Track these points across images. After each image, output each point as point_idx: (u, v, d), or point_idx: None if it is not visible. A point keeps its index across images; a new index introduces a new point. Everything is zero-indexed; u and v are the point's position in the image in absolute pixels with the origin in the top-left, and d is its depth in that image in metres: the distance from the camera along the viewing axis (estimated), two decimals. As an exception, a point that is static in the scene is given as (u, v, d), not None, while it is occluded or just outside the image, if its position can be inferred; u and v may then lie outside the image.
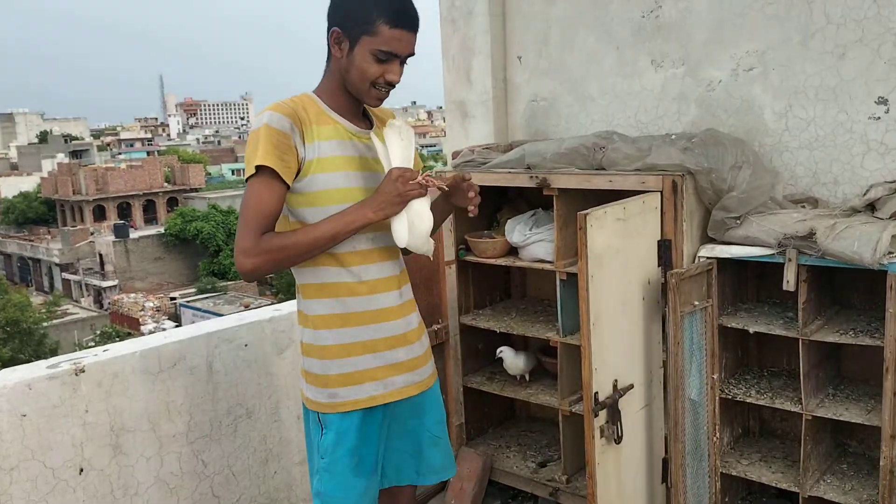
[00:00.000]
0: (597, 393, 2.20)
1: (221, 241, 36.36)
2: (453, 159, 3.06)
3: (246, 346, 2.75)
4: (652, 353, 2.48)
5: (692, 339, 2.42)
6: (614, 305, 2.28)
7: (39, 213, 47.15)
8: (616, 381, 2.29)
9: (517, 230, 2.98)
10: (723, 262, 2.49)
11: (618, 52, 3.09)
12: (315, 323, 1.86)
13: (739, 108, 2.80)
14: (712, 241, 2.51)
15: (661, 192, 2.45)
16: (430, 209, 1.81)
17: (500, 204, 3.29)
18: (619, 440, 2.24)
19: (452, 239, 3.07)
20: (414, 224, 1.78)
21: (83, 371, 2.34)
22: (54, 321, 24.19)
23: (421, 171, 1.81)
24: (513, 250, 3.04)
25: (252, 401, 2.78)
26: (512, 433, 3.40)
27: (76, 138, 74.49)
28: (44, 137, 68.38)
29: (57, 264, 39.53)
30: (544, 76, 3.31)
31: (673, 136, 2.66)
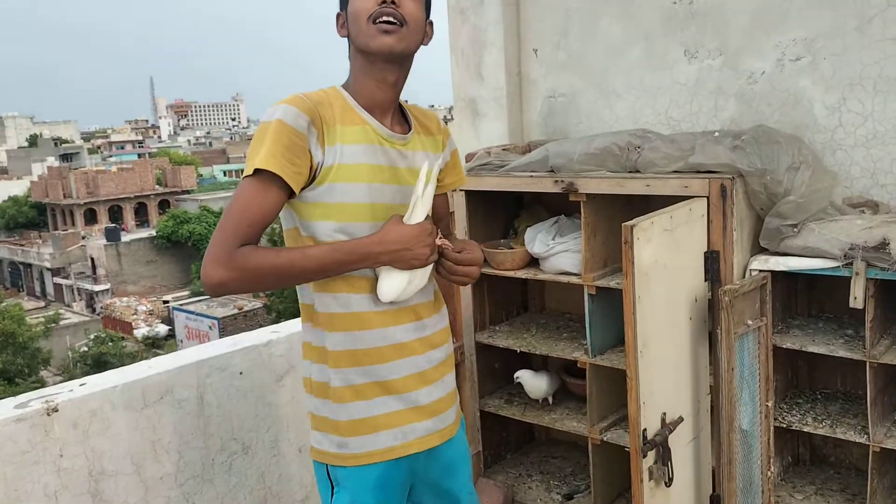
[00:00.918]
0: (645, 430, 1.92)
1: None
2: (467, 162, 2.78)
3: (241, 374, 2.47)
4: (699, 380, 2.20)
5: (744, 363, 2.14)
6: (662, 328, 2.01)
7: (30, 218, 46.64)
8: (664, 414, 2.01)
9: (538, 240, 2.70)
10: (773, 275, 2.21)
11: (646, 42, 2.81)
12: (322, 357, 1.58)
13: (786, 103, 2.52)
14: (765, 251, 2.24)
15: (708, 197, 2.17)
16: None
17: (517, 210, 3.01)
18: (669, 483, 1.97)
19: (467, 250, 2.79)
20: (410, 284, 1.55)
21: (56, 410, 2.06)
22: (49, 325, 23.82)
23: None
24: (533, 261, 2.76)
25: (248, 435, 2.49)
26: (533, 459, 3.12)
27: (66, 141, 73.88)
28: (34, 141, 67.79)
29: (48, 269, 39.09)
30: (563, 70, 3.03)
31: (717, 133, 2.38)
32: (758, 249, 2.26)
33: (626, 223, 1.87)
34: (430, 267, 1.58)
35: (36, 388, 12.56)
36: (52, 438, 2.04)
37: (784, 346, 2.27)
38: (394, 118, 1.61)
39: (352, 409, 1.56)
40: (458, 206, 2.72)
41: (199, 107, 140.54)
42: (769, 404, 2.23)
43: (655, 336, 1.97)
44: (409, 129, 1.63)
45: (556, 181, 2.49)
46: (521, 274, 2.74)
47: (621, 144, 2.39)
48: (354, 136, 1.51)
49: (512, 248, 2.81)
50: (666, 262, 2.01)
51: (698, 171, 2.23)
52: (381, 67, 1.53)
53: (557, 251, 2.64)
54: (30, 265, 40.95)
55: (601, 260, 2.57)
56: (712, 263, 2.19)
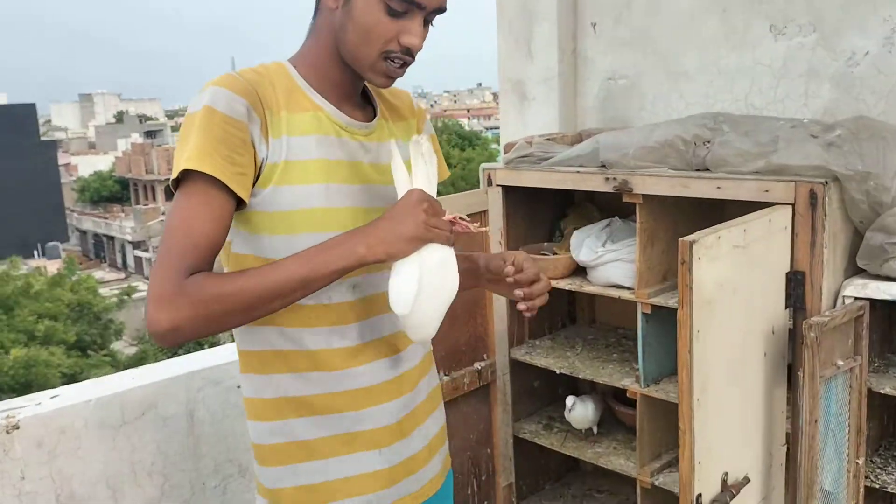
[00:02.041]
0: (700, 496, 1.54)
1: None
2: (505, 153, 2.41)
3: (238, 387, 2.18)
4: (773, 429, 1.80)
5: (830, 412, 1.72)
6: (727, 367, 1.61)
7: (113, 192, 48.27)
8: (726, 474, 1.62)
9: (586, 245, 2.32)
10: (871, 304, 1.78)
11: (723, 16, 2.38)
12: (259, 412, 1.27)
13: (894, 90, 2.06)
14: (863, 273, 1.81)
15: (794, 205, 1.75)
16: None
17: (564, 209, 2.63)
18: (728, 562, 1.58)
19: (504, 254, 2.43)
20: (429, 286, 1.15)
21: (17, 428, 1.81)
22: (123, 297, 24.55)
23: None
24: (580, 269, 2.39)
25: (246, 455, 2.21)
26: (575, 492, 2.75)
27: (151, 118, 76.22)
28: (120, 118, 70.16)
29: (129, 242, 40.40)
30: (625, 48, 2.62)
31: (806, 120, 1.95)
32: (853, 271, 1.83)
33: (684, 238, 1.48)
34: (454, 268, 1.19)
35: (106, 361, 12.77)
36: (11, 459, 1.80)
37: (881, 392, 1.84)
38: (354, 101, 1.28)
39: (300, 472, 1.24)
40: (494, 202, 2.36)
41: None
42: (859, 462, 1.80)
43: (718, 378, 1.58)
44: (374, 115, 1.30)
45: (607, 178, 2.10)
46: (565, 284, 2.37)
47: (686, 137, 1.99)
48: (304, 125, 1.19)
49: (556, 254, 2.44)
50: (736, 285, 1.61)
51: (783, 173, 1.81)
52: None
53: (607, 260, 2.26)
54: (112, 238, 42.41)
55: (659, 273, 2.18)
56: (795, 287, 1.77)
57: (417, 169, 1.18)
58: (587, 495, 2.73)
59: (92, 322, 17.71)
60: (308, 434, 1.23)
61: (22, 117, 40.85)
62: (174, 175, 1.10)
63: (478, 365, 2.39)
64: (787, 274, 1.77)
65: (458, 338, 2.34)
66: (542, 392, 2.72)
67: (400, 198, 1.16)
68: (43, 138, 43.48)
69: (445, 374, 2.31)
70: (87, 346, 16.20)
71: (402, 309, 1.15)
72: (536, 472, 2.72)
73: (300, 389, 1.23)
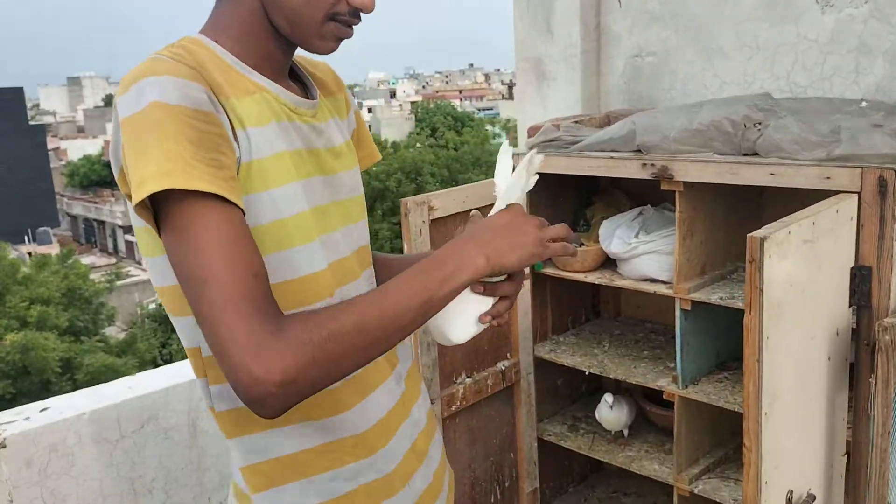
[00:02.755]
0: (766, 520, 1.39)
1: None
2: (529, 137, 2.24)
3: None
4: (835, 438, 1.64)
5: (900, 420, 1.57)
6: (793, 376, 1.45)
7: (102, 176, 47.78)
8: (791, 493, 1.47)
9: (617, 236, 2.15)
10: (941, 298, 1.62)
11: (764, -14, 2.20)
12: (272, 477, 1.01)
13: (958, 64, 1.90)
14: (934, 268, 1.65)
15: (860, 193, 1.59)
16: None
17: (591, 196, 2.46)
18: (796, 589, 1.43)
19: (527, 245, 2.26)
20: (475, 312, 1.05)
21: (3, 447, 1.64)
22: (117, 283, 24.28)
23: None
24: (609, 261, 2.22)
25: (254, 467, 2.05)
26: (600, 494, 2.61)
27: (139, 102, 75.40)
28: (109, 101, 69.47)
29: (120, 226, 40.04)
30: (654, 22, 2.44)
31: (863, 104, 1.78)
32: (924, 265, 1.67)
33: (753, 234, 1.32)
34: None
35: (99, 347, 12.54)
36: (-2, 480, 1.64)
37: (952, 396, 1.69)
38: (287, 77, 1.07)
39: None
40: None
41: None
42: (929, 473, 1.65)
43: (785, 388, 1.42)
44: (310, 91, 1.10)
45: (645, 164, 1.93)
46: (594, 278, 2.20)
47: (735, 119, 1.81)
48: (256, 112, 0.96)
49: (583, 245, 2.27)
50: (804, 284, 1.44)
51: (848, 160, 1.64)
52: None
53: (641, 252, 2.09)
54: (103, 222, 42.04)
55: (698, 265, 2.02)
56: (861, 284, 1.61)
57: (520, 181, 1.10)
58: (612, 499, 2.58)
59: (83, 307, 17.48)
60: (344, 488, 1.03)
61: (10, 101, 40.29)
62: (144, 194, 0.81)
63: (501, 365, 2.24)
64: (851, 269, 1.60)
65: (480, 336, 2.15)
66: (566, 390, 2.56)
67: (506, 207, 1.05)
68: (31, 122, 42.94)
69: (467, 377, 2.15)
70: (80, 331, 16.00)
71: (458, 338, 1.08)
72: (560, 475, 2.57)
73: (320, 438, 1.02)
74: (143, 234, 0.94)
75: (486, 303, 1.05)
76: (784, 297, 1.37)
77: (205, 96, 0.87)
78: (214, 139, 0.86)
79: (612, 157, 2.01)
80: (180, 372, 1.94)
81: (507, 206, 1.05)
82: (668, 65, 2.42)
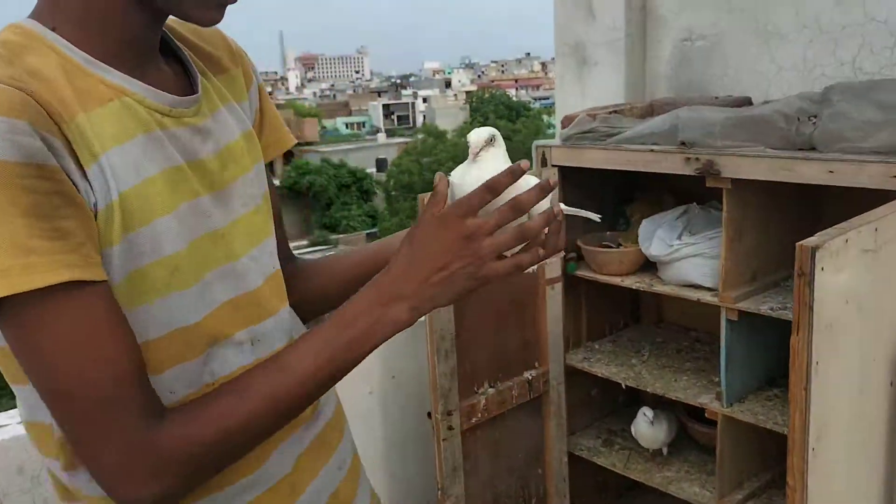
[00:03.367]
0: (813, 572, 1.20)
1: (333, 194, 36.63)
2: (563, 127, 2.07)
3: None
4: (893, 472, 1.45)
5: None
6: (849, 407, 1.27)
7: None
8: (844, 539, 1.29)
9: (658, 237, 1.97)
10: None
11: (828, -38, 1.98)
12: None
13: None
14: None
15: (934, 195, 1.38)
16: None
17: (631, 193, 2.28)
18: None
19: (559, 245, 2.09)
20: None
21: (-9, 452, 1.56)
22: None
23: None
24: (649, 264, 2.04)
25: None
26: (637, 513, 2.44)
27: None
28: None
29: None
30: (705, 3, 2.23)
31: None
32: None
33: (803, 243, 1.13)
34: None
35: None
36: (-13, 487, 1.56)
37: None
38: (155, 63, 0.80)
39: None
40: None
41: (325, 59, 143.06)
42: None
43: (838, 420, 1.24)
44: (187, 76, 0.84)
45: (689, 159, 1.75)
46: (632, 282, 2.03)
47: (787, 112, 1.62)
48: (113, 126, 0.72)
49: (620, 247, 2.10)
50: (862, 300, 1.25)
51: (916, 153, 1.43)
52: None
53: (684, 255, 1.91)
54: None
55: (747, 272, 1.82)
56: (932, 299, 1.41)
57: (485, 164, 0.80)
58: (651, 519, 2.40)
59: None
60: None
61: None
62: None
63: (528, 374, 2.08)
64: (922, 282, 1.40)
65: (506, 343, 2.03)
66: (601, 401, 2.40)
67: (430, 223, 0.76)
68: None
69: (491, 386, 2.00)
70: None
71: None
72: (593, 492, 2.40)
73: None
74: None
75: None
76: (838, 316, 1.19)
77: (36, 140, 0.64)
78: (52, 200, 0.65)
79: (652, 151, 1.83)
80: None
81: (441, 214, 0.76)
82: (720, 49, 2.22)
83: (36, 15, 0.74)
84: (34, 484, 1.61)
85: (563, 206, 0.84)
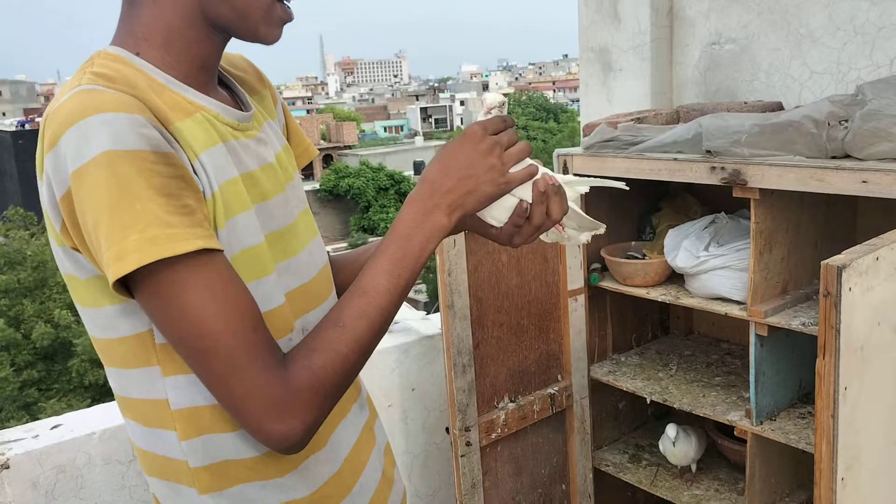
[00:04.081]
0: None
1: (371, 196, 36.86)
2: (585, 136, 2.01)
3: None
4: (936, 500, 1.36)
5: None
6: (882, 435, 1.19)
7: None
8: (877, 574, 1.21)
9: (685, 248, 1.90)
10: None
11: (864, -40, 1.89)
12: None
13: None
14: None
15: (975, 207, 1.30)
16: None
17: (657, 201, 2.21)
18: None
19: (581, 256, 2.04)
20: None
21: (7, 467, 1.57)
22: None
23: None
24: (676, 275, 1.98)
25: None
26: (665, 531, 2.36)
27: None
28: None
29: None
30: (734, 5, 2.16)
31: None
32: None
33: (829, 262, 1.07)
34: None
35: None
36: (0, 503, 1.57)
37: None
38: (215, 89, 0.92)
39: None
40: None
41: (364, 64, 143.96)
42: None
43: (871, 449, 1.17)
44: (238, 96, 0.96)
45: (714, 168, 1.68)
46: (657, 294, 1.96)
47: (817, 117, 1.54)
48: (201, 135, 0.83)
49: (645, 258, 2.03)
50: (894, 320, 1.18)
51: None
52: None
53: (711, 267, 1.84)
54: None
55: (778, 285, 1.75)
56: (974, 317, 1.32)
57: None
58: (681, 537, 2.33)
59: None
60: None
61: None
62: (126, 269, 0.73)
63: (551, 388, 2.02)
64: (963, 300, 1.32)
65: (527, 356, 1.98)
66: (629, 414, 2.33)
67: (456, 140, 0.91)
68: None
69: (510, 401, 1.95)
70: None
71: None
72: (620, 508, 2.34)
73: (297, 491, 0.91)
74: (85, 284, 0.84)
75: (524, 189, 0.93)
76: (869, 339, 1.12)
77: (158, 133, 0.76)
78: (177, 182, 0.76)
79: (675, 160, 1.76)
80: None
81: (465, 132, 0.91)
82: (750, 53, 2.14)
83: (119, 42, 0.85)
84: (48, 499, 1.61)
85: (591, 180, 1.02)
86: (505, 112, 0.95)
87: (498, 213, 0.94)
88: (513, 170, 0.91)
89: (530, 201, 0.93)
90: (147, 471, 0.92)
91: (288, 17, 0.89)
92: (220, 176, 0.83)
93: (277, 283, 0.88)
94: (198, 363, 0.78)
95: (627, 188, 1.07)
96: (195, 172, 0.80)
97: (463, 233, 1.77)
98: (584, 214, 1.04)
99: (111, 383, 0.90)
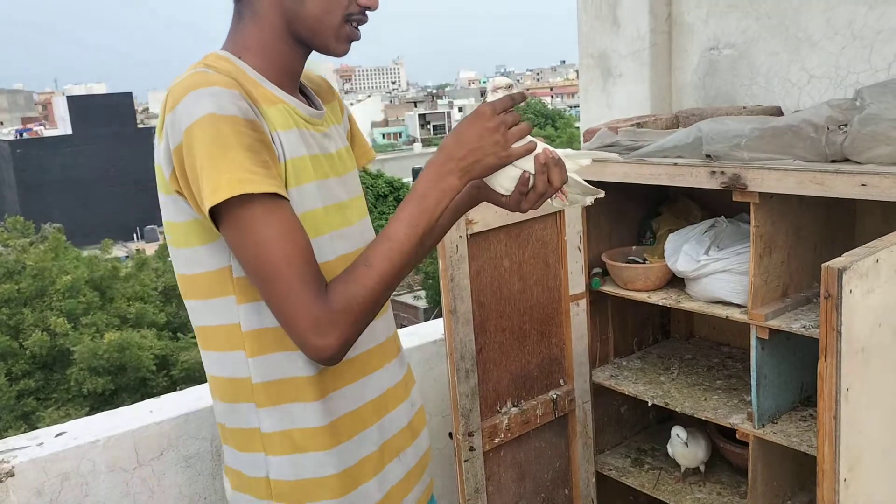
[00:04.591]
0: None
1: (370, 203, 36.97)
2: (585, 141, 2.03)
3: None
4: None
5: None
6: (884, 436, 1.20)
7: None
8: (880, 575, 1.22)
9: (685, 252, 1.91)
10: None
11: (860, -35, 1.91)
12: (290, 445, 1.12)
13: None
14: None
15: (974, 209, 1.31)
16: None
17: (657, 206, 2.22)
18: None
19: (582, 261, 2.05)
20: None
21: (12, 475, 1.57)
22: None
23: None
24: (676, 279, 1.99)
25: (284, 496, 1.93)
26: (669, 535, 2.36)
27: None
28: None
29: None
30: (732, 10, 2.17)
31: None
32: None
33: (829, 264, 1.08)
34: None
35: (194, 343, 12.82)
36: (8, 510, 1.57)
37: None
38: (297, 91, 1.16)
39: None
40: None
41: (362, 70, 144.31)
42: None
43: (873, 449, 1.17)
44: (313, 101, 1.19)
45: (714, 172, 1.69)
46: (658, 298, 1.97)
47: (815, 122, 1.55)
48: (281, 120, 1.08)
49: (646, 262, 2.04)
50: (894, 322, 1.19)
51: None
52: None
53: (712, 271, 1.85)
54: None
55: (778, 288, 1.76)
56: (974, 319, 1.33)
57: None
58: (684, 541, 2.33)
59: (180, 304, 18.09)
60: (331, 468, 1.12)
61: (120, 106, 42.52)
62: (219, 198, 0.95)
63: (553, 393, 2.03)
64: (962, 301, 1.33)
65: (529, 360, 1.99)
66: (630, 419, 2.34)
67: (469, 117, 1.07)
68: (140, 126, 45.14)
69: (513, 406, 1.96)
70: (178, 328, 16.56)
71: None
72: (623, 512, 2.34)
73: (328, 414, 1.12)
74: (182, 227, 1.06)
75: (528, 162, 1.08)
76: (870, 340, 1.13)
77: (248, 106, 0.99)
78: (260, 143, 0.98)
79: (675, 165, 1.78)
80: (202, 396, 1.84)
81: (476, 110, 1.07)
82: (749, 57, 2.15)
83: (227, 48, 1.11)
84: (54, 506, 1.61)
85: (593, 153, 1.23)
86: (514, 91, 1.09)
87: (505, 182, 1.09)
88: (515, 146, 1.06)
89: (532, 172, 1.08)
90: (214, 394, 1.15)
91: (355, 37, 1.11)
92: (291, 151, 1.05)
93: (330, 244, 1.10)
94: (263, 285, 0.99)
95: (602, 195, 1.24)
96: (273, 141, 1.02)
97: (465, 239, 1.79)
98: (584, 182, 1.19)
99: (191, 317, 1.12)
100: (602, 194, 1.22)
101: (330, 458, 1.11)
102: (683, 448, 2.03)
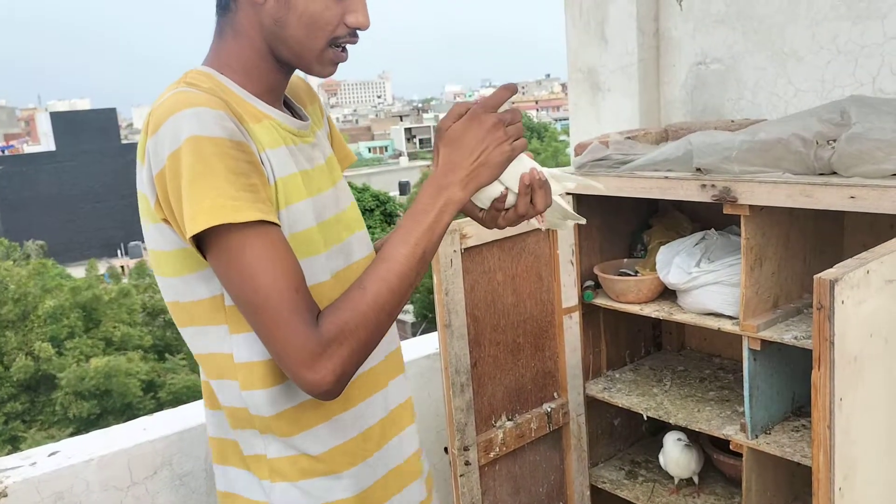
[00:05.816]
0: None
1: (357, 218, 36.93)
2: (576, 155, 2.05)
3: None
4: (931, 509, 1.38)
5: None
6: (879, 445, 1.22)
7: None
8: (876, 583, 1.23)
9: (676, 264, 1.93)
10: None
11: (843, -19, 1.95)
12: (313, 469, 1.09)
13: None
14: None
15: (960, 220, 1.34)
16: None
17: (648, 219, 2.24)
18: None
19: (575, 274, 2.06)
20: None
21: (5, 496, 1.56)
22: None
23: None
24: (668, 291, 2.00)
25: (279, 513, 1.92)
26: (663, 547, 2.37)
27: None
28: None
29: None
30: (719, 25, 2.21)
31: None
32: None
33: (821, 276, 1.09)
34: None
35: (182, 365, 12.77)
36: (0, 531, 1.55)
37: None
38: (282, 102, 1.14)
39: None
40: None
41: (348, 85, 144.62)
42: None
43: (867, 458, 1.19)
44: (295, 110, 1.16)
45: (704, 185, 1.71)
46: (650, 311, 1.99)
47: (804, 136, 1.58)
48: (268, 137, 1.04)
49: (638, 274, 2.06)
50: (888, 333, 1.21)
51: (940, 177, 1.39)
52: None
53: (703, 283, 1.87)
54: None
55: (769, 299, 1.78)
56: (963, 328, 1.35)
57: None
58: (678, 553, 2.34)
59: (166, 325, 17.95)
60: (341, 492, 1.10)
61: (104, 121, 42.31)
62: (198, 228, 0.90)
63: (547, 406, 2.04)
64: (951, 311, 1.35)
65: (523, 374, 1.99)
66: (623, 431, 2.35)
67: (462, 122, 1.01)
68: (124, 141, 44.93)
69: (508, 419, 1.96)
70: (164, 349, 16.42)
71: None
72: (618, 524, 2.34)
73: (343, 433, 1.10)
74: (170, 256, 1.02)
75: (513, 180, 1.05)
76: (863, 350, 1.14)
77: (234, 126, 0.95)
78: (247, 166, 0.94)
79: (666, 178, 1.80)
80: (196, 413, 1.83)
81: (469, 113, 1.01)
82: (736, 72, 2.19)
83: (208, 64, 1.07)
84: (55, 524, 1.60)
85: (577, 178, 1.16)
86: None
87: (484, 198, 1.05)
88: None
89: (515, 192, 1.04)
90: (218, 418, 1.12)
91: (341, 59, 1.07)
92: (281, 170, 1.01)
93: (326, 263, 1.06)
94: (251, 316, 0.94)
95: (584, 222, 1.23)
96: (262, 162, 0.98)
97: (459, 253, 1.80)
98: (568, 208, 1.16)
99: (188, 343, 1.07)
100: (583, 221, 1.21)
101: (339, 482, 1.09)
102: (679, 454, 2.04)
